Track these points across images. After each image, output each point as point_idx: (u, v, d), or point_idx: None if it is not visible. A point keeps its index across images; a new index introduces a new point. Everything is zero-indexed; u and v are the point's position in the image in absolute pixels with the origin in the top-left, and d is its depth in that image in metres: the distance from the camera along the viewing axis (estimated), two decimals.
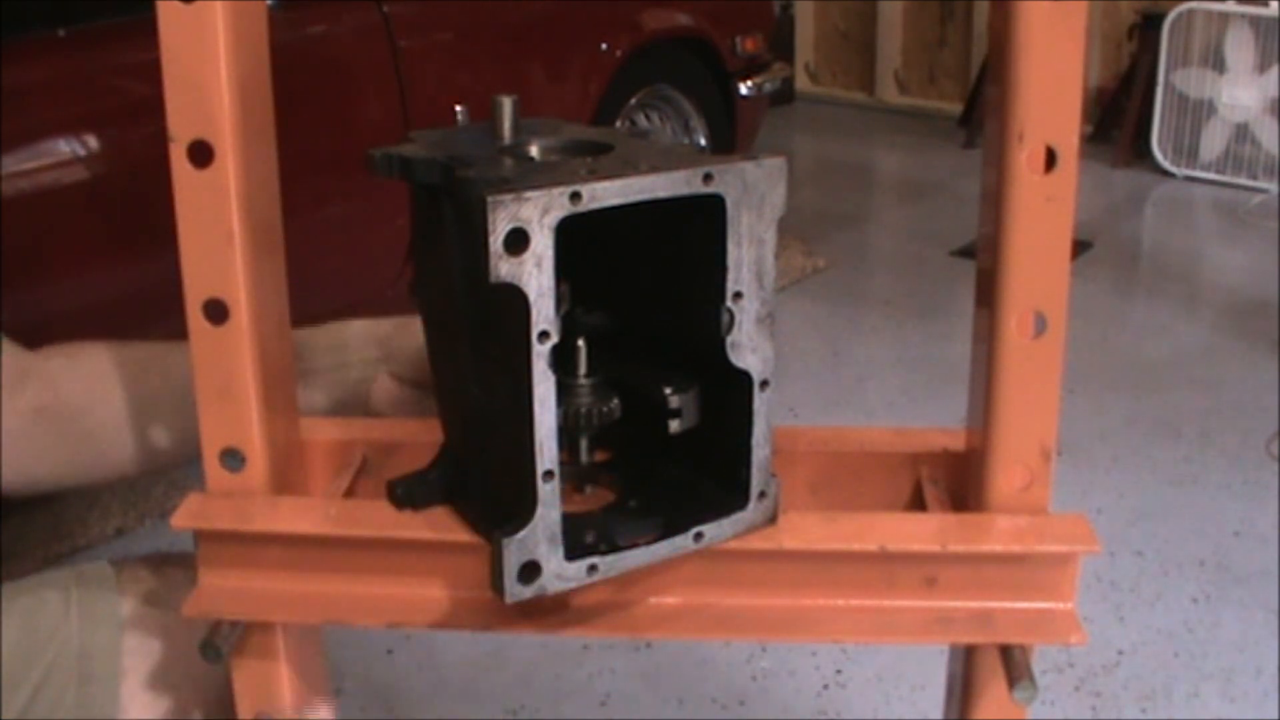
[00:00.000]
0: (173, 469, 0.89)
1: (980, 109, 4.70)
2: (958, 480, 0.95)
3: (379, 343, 1.10)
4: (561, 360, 0.75)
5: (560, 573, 0.77)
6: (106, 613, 1.00)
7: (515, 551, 0.75)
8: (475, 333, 0.81)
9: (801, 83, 6.08)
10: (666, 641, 1.98)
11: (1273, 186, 4.40)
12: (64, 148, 2.13)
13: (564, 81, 3.04)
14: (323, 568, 0.88)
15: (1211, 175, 4.56)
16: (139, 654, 1.00)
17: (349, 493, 0.96)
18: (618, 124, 3.17)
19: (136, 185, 2.16)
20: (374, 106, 2.63)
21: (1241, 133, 4.49)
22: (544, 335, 0.73)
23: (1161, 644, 2.05)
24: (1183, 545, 2.32)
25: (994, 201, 0.83)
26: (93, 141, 2.16)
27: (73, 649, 0.99)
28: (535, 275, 0.71)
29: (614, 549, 0.79)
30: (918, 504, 0.96)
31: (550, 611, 0.85)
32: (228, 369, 0.86)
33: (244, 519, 0.87)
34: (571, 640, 1.99)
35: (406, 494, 0.87)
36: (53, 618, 1.00)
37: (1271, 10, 4.33)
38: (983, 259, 0.88)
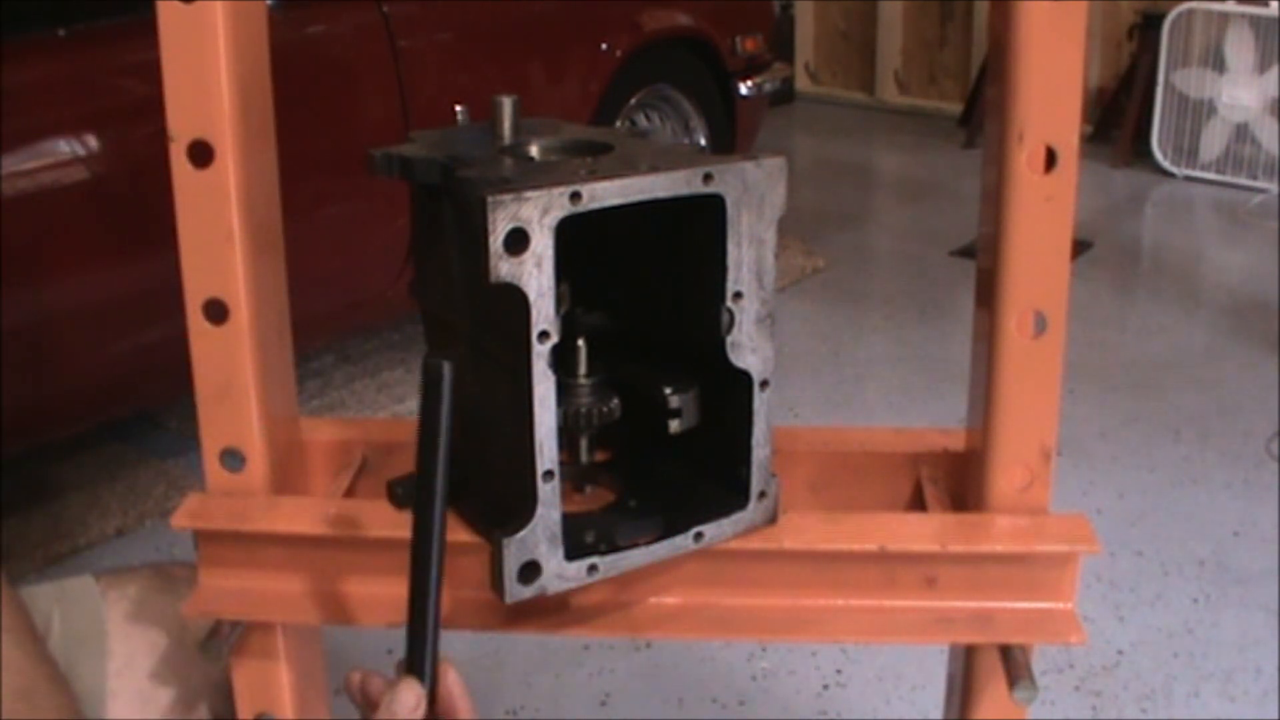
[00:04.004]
0: None
1: (980, 109, 4.69)
2: (958, 480, 0.95)
3: None
4: (561, 360, 0.75)
5: (560, 573, 0.77)
6: (90, 631, 0.98)
7: (515, 551, 0.75)
8: (475, 333, 0.81)
9: (801, 83, 6.07)
10: (666, 641, 1.98)
11: (1273, 186, 4.40)
12: (64, 148, 2.12)
13: (564, 81, 3.04)
14: (323, 568, 0.88)
15: (1211, 175, 4.56)
16: (125, 673, 0.98)
17: (349, 493, 0.96)
18: (618, 124, 3.17)
19: (136, 185, 2.16)
20: (374, 106, 2.63)
21: (1241, 133, 4.48)
22: (544, 335, 0.73)
23: (1161, 644, 2.05)
24: (1183, 545, 2.32)
25: (994, 201, 0.83)
26: (93, 141, 2.16)
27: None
28: (535, 275, 0.71)
29: (614, 549, 0.79)
30: (918, 504, 0.96)
31: (550, 611, 0.85)
32: (228, 369, 0.86)
33: (244, 519, 0.87)
34: (571, 640, 1.99)
35: (406, 494, 0.87)
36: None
37: (1271, 10, 4.32)
38: (983, 259, 0.88)
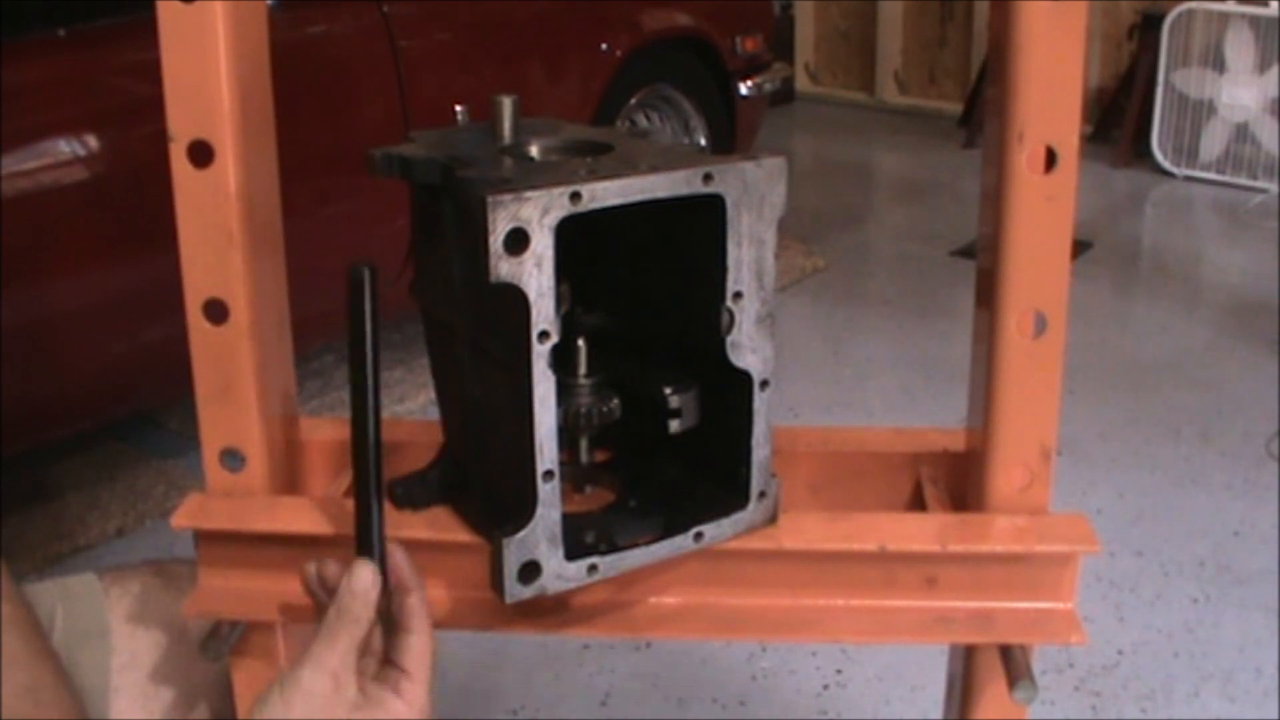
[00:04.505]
0: None
1: (980, 109, 4.69)
2: (958, 480, 0.95)
3: None
4: (561, 360, 0.75)
5: (560, 573, 0.77)
6: (93, 628, 0.98)
7: (515, 551, 0.75)
8: (475, 333, 0.81)
9: (801, 83, 6.07)
10: (666, 641, 1.98)
11: (1273, 186, 4.39)
12: (64, 148, 2.13)
13: (564, 81, 3.04)
14: None
15: (1211, 175, 4.56)
16: (128, 670, 0.98)
17: (349, 493, 0.96)
18: (618, 124, 3.17)
19: (136, 185, 2.16)
20: (374, 106, 2.63)
21: (1241, 133, 4.48)
22: (544, 335, 0.73)
23: (1161, 644, 2.05)
24: (1183, 545, 2.32)
25: (994, 201, 0.83)
26: (93, 141, 2.16)
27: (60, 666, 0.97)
28: (535, 275, 0.71)
29: (614, 549, 0.79)
30: (918, 504, 0.96)
31: (550, 611, 0.85)
32: (228, 369, 0.86)
33: (244, 519, 0.87)
34: (571, 640, 1.99)
35: (406, 494, 0.87)
36: None
37: (1271, 10, 4.32)
38: (983, 259, 0.88)
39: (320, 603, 0.79)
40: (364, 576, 0.76)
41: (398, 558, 0.79)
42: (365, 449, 0.78)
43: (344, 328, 0.78)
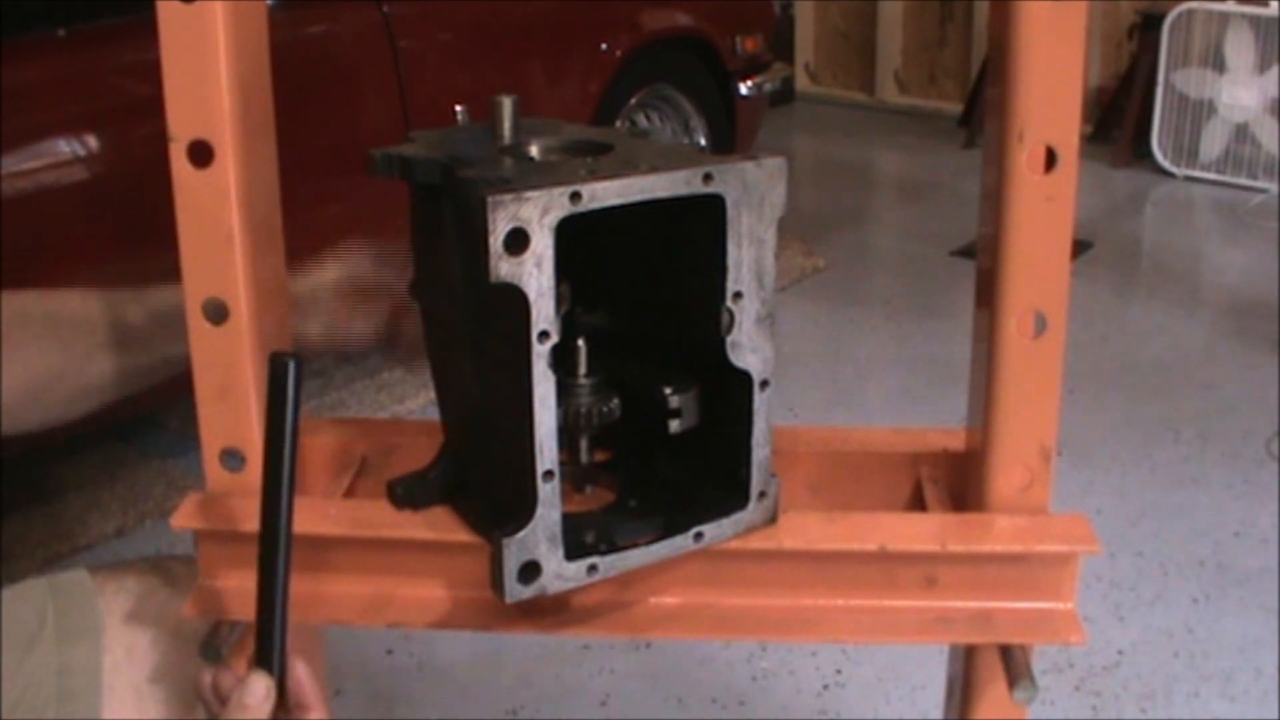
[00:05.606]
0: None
1: (980, 109, 4.69)
2: (958, 480, 0.95)
3: None
4: (561, 360, 0.75)
5: (560, 573, 0.77)
6: (85, 626, 0.97)
7: (515, 551, 0.75)
8: (475, 333, 0.81)
9: (801, 83, 6.07)
10: (666, 641, 1.98)
11: (1273, 186, 4.39)
12: (64, 148, 2.13)
13: (564, 81, 3.04)
14: (323, 568, 0.88)
15: (1211, 175, 4.55)
16: (121, 669, 0.97)
17: (349, 493, 0.96)
18: (618, 124, 3.17)
19: (136, 185, 2.16)
20: (374, 106, 2.63)
21: (1241, 133, 4.48)
22: (544, 335, 0.73)
23: (1161, 644, 2.05)
24: (1183, 545, 2.32)
25: (994, 201, 0.83)
26: (93, 141, 2.16)
27: (51, 666, 0.96)
28: (535, 275, 0.71)
29: (614, 549, 0.79)
30: (918, 504, 0.96)
31: (550, 611, 0.85)
32: (228, 369, 0.86)
33: (244, 519, 0.87)
34: (571, 640, 1.99)
35: (406, 494, 0.87)
36: (28, 633, 0.96)
37: (1271, 10, 4.32)
38: (983, 259, 0.88)
39: (211, 714, 0.77)
40: (257, 690, 0.74)
41: (300, 673, 0.76)
42: (274, 551, 0.74)
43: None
